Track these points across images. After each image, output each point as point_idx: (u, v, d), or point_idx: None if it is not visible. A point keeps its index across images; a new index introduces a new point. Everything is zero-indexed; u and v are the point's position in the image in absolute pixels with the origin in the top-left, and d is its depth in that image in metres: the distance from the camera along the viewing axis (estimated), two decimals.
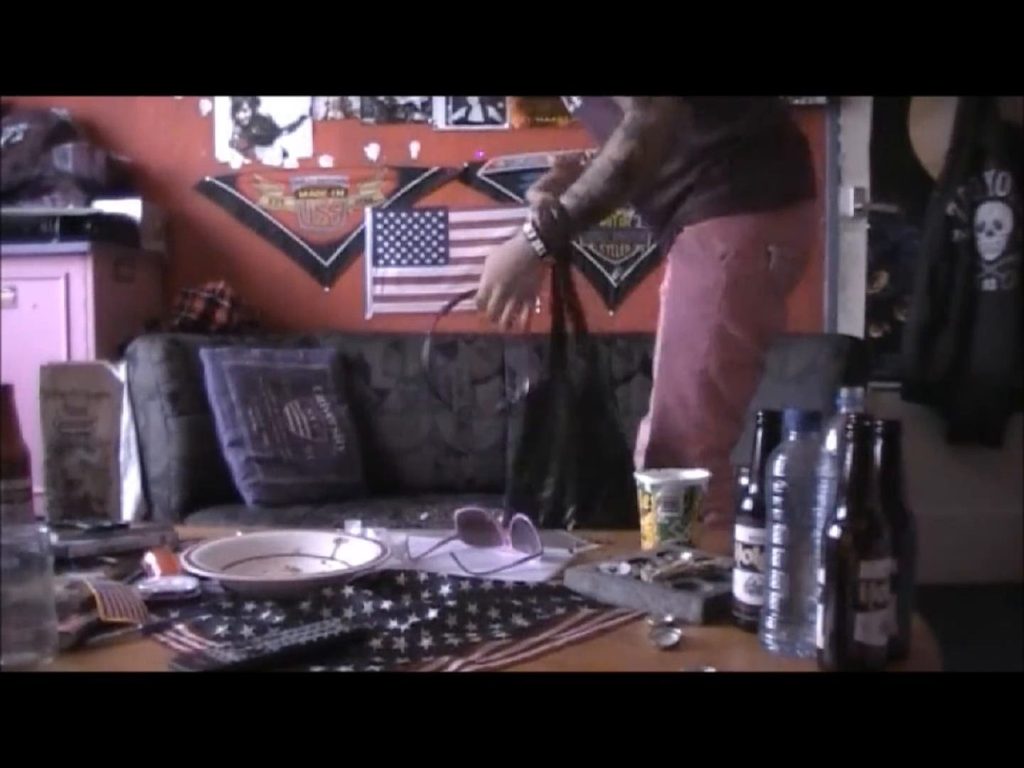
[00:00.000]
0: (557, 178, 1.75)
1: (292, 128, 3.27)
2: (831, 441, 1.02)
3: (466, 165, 3.26)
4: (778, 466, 0.99)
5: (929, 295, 3.21)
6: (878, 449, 0.95)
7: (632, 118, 1.52)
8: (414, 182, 3.28)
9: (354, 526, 1.46)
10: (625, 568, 1.21)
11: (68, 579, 1.16)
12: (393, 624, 1.07)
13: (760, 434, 1.09)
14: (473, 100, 3.26)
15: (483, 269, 1.60)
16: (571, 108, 1.77)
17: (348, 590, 1.16)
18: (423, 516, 2.29)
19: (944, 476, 3.17)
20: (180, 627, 1.08)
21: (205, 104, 3.26)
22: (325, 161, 3.29)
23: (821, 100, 3.20)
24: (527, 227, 1.56)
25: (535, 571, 1.28)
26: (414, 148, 3.29)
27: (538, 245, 1.54)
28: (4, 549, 0.94)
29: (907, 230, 3.30)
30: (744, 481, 1.09)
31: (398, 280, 3.26)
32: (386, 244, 3.27)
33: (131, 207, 2.95)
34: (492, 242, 3.24)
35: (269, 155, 3.27)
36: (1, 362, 2.31)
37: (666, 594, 1.13)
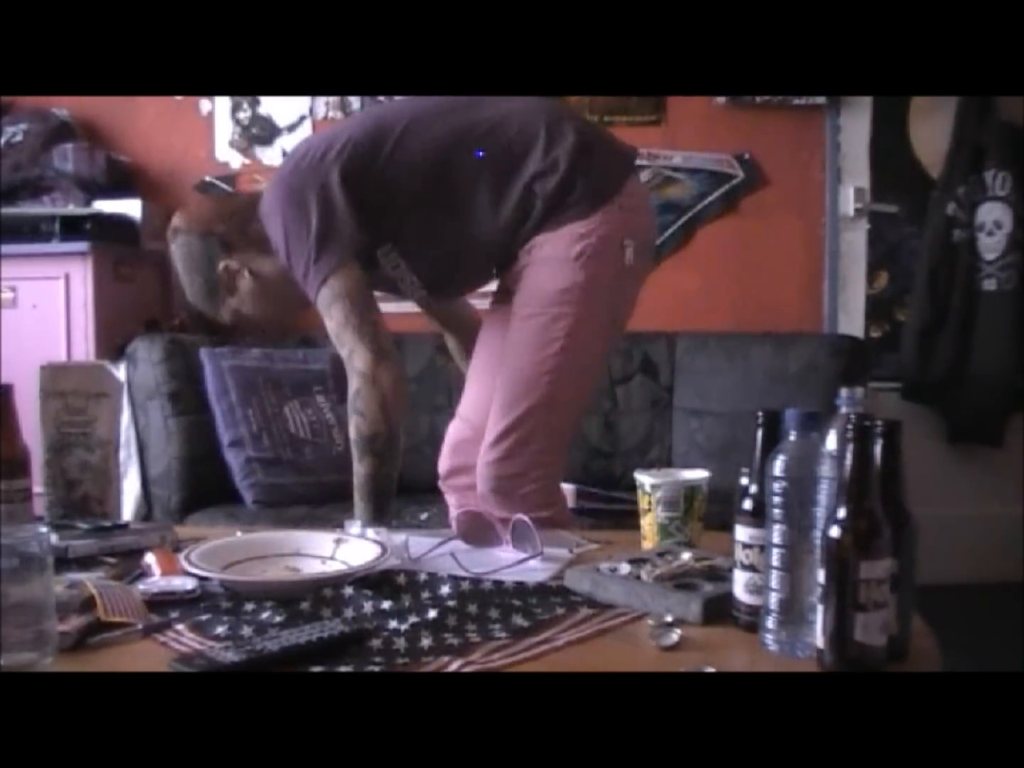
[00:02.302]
0: None
1: (292, 128, 3.26)
2: (831, 441, 1.02)
3: None
4: (778, 466, 0.99)
5: (929, 295, 3.21)
6: (878, 449, 0.95)
7: (351, 393, 1.57)
8: None
9: (354, 526, 1.46)
10: (625, 568, 1.21)
11: (68, 579, 1.16)
12: (393, 624, 1.07)
13: (760, 434, 1.09)
14: None
15: None
16: None
17: (348, 590, 1.16)
18: (423, 516, 2.29)
19: (944, 476, 3.17)
20: (180, 627, 1.08)
21: (205, 104, 3.26)
22: None
23: (821, 100, 3.20)
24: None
25: (535, 571, 1.28)
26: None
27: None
28: (4, 549, 0.94)
29: (907, 230, 3.30)
30: (744, 481, 1.09)
31: None
32: None
33: (131, 207, 2.94)
34: None
35: (269, 155, 3.27)
36: (1, 362, 2.31)
37: (666, 594, 1.13)
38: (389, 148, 1.60)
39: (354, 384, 1.57)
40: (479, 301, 1.95)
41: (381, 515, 1.59)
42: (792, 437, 1.00)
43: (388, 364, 1.57)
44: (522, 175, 1.60)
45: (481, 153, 1.61)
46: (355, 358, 1.57)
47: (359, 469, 1.59)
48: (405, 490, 2.77)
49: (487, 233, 1.65)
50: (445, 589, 1.18)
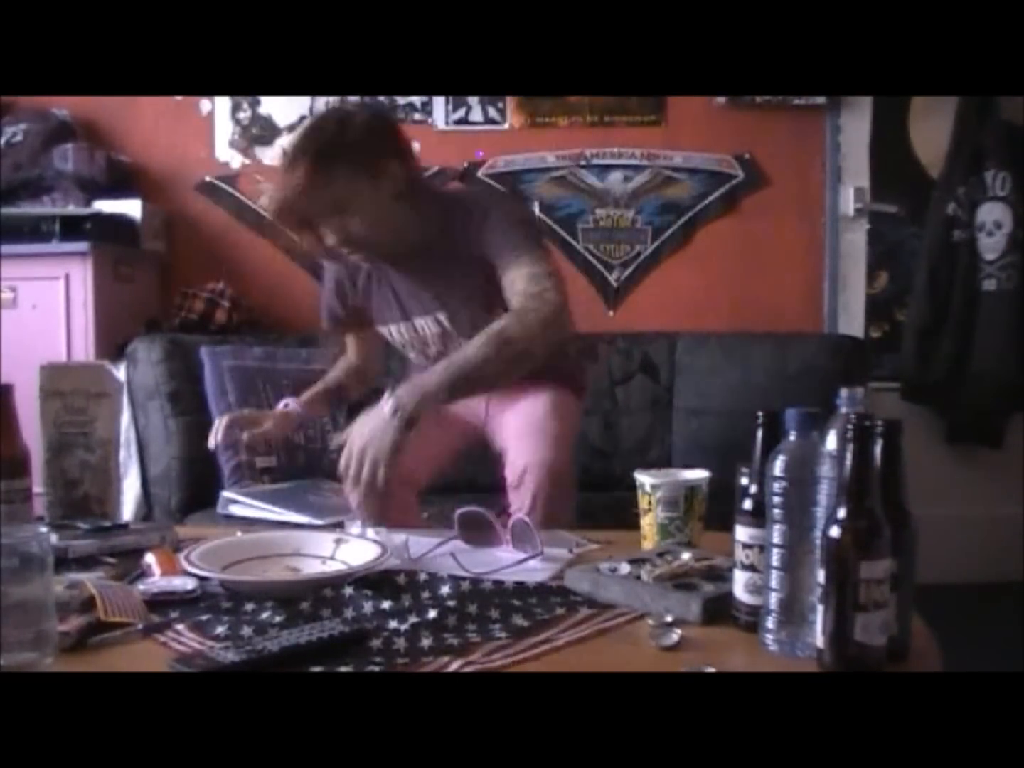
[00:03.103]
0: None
1: (292, 128, 3.26)
2: (831, 441, 1.02)
3: (466, 165, 3.26)
4: (778, 466, 0.99)
5: (929, 295, 3.21)
6: (878, 449, 0.95)
7: (520, 303, 1.64)
8: None
9: (354, 526, 1.46)
10: (625, 568, 1.21)
11: (68, 579, 1.16)
12: (393, 624, 1.07)
13: (760, 434, 1.09)
14: (473, 100, 3.25)
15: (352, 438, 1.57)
16: None
17: (348, 590, 1.16)
18: (423, 516, 2.29)
19: (944, 476, 3.17)
20: (180, 627, 1.09)
21: (205, 104, 3.26)
22: None
23: (821, 100, 3.20)
24: (390, 405, 1.56)
25: (535, 571, 1.28)
26: (414, 148, 3.28)
27: (397, 423, 1.54)
28: (4, 549, 0.94)
29: (907, 230, 3.30)
30: (744, 481, 1.09)
31: None
32: None
33: (131, 207, 2.94)
34: None
35: (269, 155, 3.27)
36: (1, 362, 2.31)
37: (666, 594, 1.13)
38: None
39: (534, 303, 1.63)
40: None
41: (454, 391, 1.60)
42: (792, 437, 1.00)
43: (567, 314, 1.70)
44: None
45: None
46: (549, 294, 1.65)
47: (470, 351, 1.58)
48: None
49: None
50: (445, 589, 1.19)
